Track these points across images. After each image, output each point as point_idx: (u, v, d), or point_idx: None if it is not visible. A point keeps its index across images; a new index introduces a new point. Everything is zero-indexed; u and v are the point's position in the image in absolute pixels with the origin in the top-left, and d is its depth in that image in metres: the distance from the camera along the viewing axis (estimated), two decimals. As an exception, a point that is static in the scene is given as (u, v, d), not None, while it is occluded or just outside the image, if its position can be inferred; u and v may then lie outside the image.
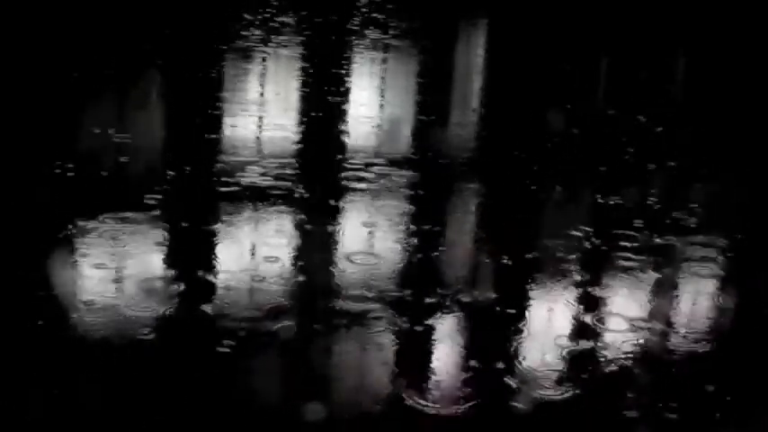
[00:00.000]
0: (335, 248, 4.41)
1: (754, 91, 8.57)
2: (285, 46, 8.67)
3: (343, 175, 5.31)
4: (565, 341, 3.66)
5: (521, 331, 3.72)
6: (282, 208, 4.78)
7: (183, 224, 4.47)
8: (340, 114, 6.68)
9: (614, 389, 3.37)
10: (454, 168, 5.67)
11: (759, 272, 4.53)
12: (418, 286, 3.99)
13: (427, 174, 5.50)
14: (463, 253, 4.57)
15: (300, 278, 4.04)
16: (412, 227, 4.69)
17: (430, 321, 3.71)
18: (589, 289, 4.12)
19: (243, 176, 5.12)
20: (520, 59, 9.16)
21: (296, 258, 4.25)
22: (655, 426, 3.18)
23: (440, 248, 4.49)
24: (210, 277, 3.97)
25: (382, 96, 7.55)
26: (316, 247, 4.39)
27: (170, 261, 4.11)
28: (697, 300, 4.16)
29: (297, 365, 3.38)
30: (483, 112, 7.37)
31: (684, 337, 3.77)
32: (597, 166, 5.88)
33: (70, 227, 4.30)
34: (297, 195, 4.94)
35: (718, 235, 4.81)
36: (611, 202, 5.23)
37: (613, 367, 3.49)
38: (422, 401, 3.16)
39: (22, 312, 3.52)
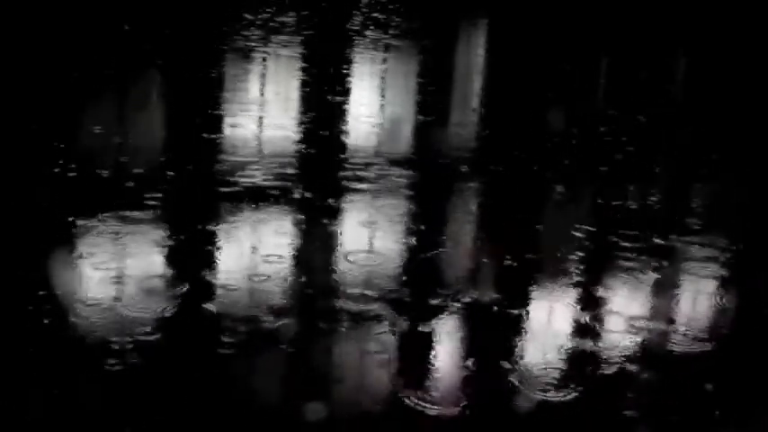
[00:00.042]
0: (335, 248, 4.41)
1: (754, 91, 8.57)
2: (285, 46, 8.67)
3: (343, 174, 5.31)
4: (565, 341, 3.65)
5: (521, 331, 3.72)
6: (282, 208, 4.78)
7: (184, 224, 4.46)
8: (340, 114, 6.68)
9: (614, 389, 3.37)
10: (454, 168, 5.67)
11: (759, 272, 4.53)
12: (418, 286, 3.99)
13: (427, 174, 5.50)
14: (463, 253, 4.57)
15: (301, 278, 4.03)
16: (412, 227, 4.70)
17: (430, 321, 3.71)
18: (589, 289, 4.12)
19: (243, 176, 5.11)
20: (520, 59, 9.16)
21: (296, 258, 4.25)
22: (655, 426, 3.18)
23: (440, 248, 4.49)
24: (210, 277, 3.97)
25: (382, 96, 7.55)
26: (316, 246, 4.39)
27: (170, 261, 4.11)
28: (697, 300, 4.16)
29: (297, 365, 3.38)
30: (483, 112, 7.37)
31: (684, 336, 3.77)
32: (597, 166, 5.88)
33: (70, 227, 4.30)
34: (297, 195, 4.94)
35: (718, 235, 4.81)
36: (612, 203, 5.23)
37: (613, 367, 3.48)
38: (422, 401, 3.16)
39: (22, 312, 3.52)
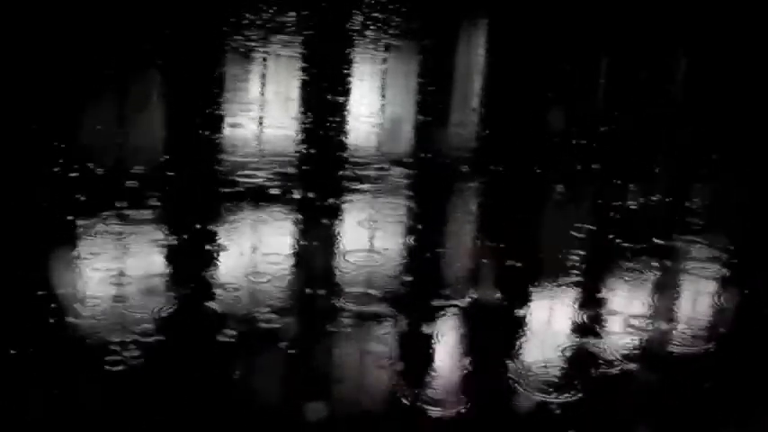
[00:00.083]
0: (336, 248, 4.41)
1: (754, 91, 8.56)
2: (285, 46, 8.67)
3: (343, 174, 5.31)
4: (565, 341, 3.65)
5: (521, 331, 3.72)
6: (283, 208, 4.78)
7: (184, 224, 4.46)
8: (340, 114, 6.68)
9: (614, 389, 3.37)
10: (454, 168, 5.67)
11: (759, 272, 4.53)
12: (418, 286, 3.99)
13: (427, 174, 5.50)
14: (463, 253, 4.57)
15: (301, 278, 4.03)
16: (412, 227, 4.69)
17: (430, 321, 3.71)
18: (589, 289, 4.12)
19: (243, 176, 5.11)
20: (520, 59, 9.16)
21: (296, 258, 4.25)
22: (655, 426, 3.18)
23: (440, 248, 4.49)
24: (210, 277, 3.97)
25: (382, 96, 7.55)
26: (316, 246, 4.39)
27: (170, 261, 4.11)
28: (697, 300, 4.16)
29: (297, 365, 3.38)
30: (483, 112, 7.36)
31: (684, 336, 3.77)
32: (597, 167, 5.88)
33: (70, 227, 4.30)
34: (297, 195, 4.94)
35: (718, 235, 4.81)
36: (612, 203, 5.23)
37: (613, 367, 3.48)
38: (422, 401, 3.16)
39: (22, 312, 3.52)
